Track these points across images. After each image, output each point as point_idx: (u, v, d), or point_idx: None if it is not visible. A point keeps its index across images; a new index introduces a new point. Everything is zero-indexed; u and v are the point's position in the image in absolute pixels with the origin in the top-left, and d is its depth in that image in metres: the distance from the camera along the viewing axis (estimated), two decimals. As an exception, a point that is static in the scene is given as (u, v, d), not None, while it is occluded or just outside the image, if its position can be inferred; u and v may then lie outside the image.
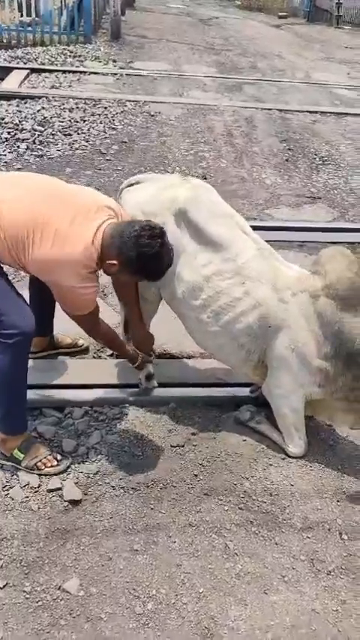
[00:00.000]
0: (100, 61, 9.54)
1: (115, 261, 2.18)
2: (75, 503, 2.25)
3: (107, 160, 5.69)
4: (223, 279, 2.45)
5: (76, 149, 5.86)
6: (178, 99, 8.00)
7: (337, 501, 2.39)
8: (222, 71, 10.06)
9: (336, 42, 14.73)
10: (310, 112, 7.93)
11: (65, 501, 2.25)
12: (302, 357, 2.44)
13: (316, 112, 7.93)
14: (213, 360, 2.88)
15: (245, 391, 2.88)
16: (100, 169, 5.47)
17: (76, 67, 9.15)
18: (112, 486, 2.34)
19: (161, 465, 2.46)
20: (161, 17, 15.06)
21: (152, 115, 7.04)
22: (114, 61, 9.49)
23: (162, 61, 10.18)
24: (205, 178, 5.49)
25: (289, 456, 2.57)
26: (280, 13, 19.89)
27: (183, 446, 2.57)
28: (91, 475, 2.38)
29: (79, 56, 9.94)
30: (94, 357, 3.11)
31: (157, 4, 18.03)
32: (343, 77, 10.69)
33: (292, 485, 2.43)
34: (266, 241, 2.65)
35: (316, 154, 6.46)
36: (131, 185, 2.66)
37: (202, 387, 2.92)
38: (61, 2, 11.20)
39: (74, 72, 8.83)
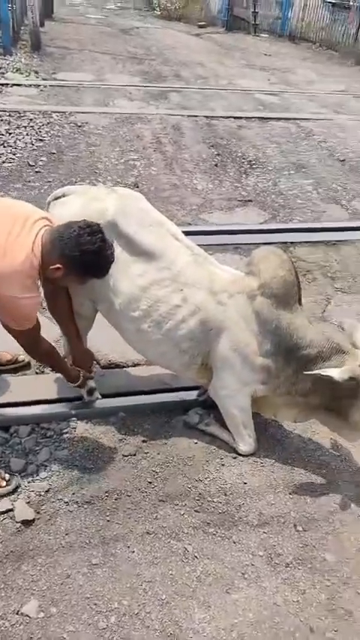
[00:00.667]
0: (21, 73, 9.35)
1: (59, 265, 2.15)
2: (28, 523, 2.19)
3: (37, 172, 5.59)
4: (160, 288, 2.46)
5: (3, 162, 5.72)
6: (105, 109, 7.97)
7: (290, 494, 2.45)
8: (146, 80, 10.12)
9: (255, 50, 15.16)
10: (235, 117, 8.11)
11: (17, 522, 2.19)
12: (245, 356, 2.48)
13: (241, 118, 8.11)
14: (158, 366, 2.88)
15: (193, 394, 2.90)
16: (29, 182, 5.37)
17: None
18: (66, 502, 2.29)
19: (114, 476, 2.44)
20: (81, 28, 14.98)
21: (79, 126, 6.98)
22: (36, 72, 9.34)
23: (85, 71, 10.12)
24: (137, 186, 5.51)
25: (241, 455, 2.61)
26: (199, 23, 20.25)
27: (135, 454, 2.56)
28: (42, 493, 2.32)
29: (0, 68, 9.72)
30: (36, 373, 3.04)
31: (76, 14, 17.94)
32: (265, 83, 11.00)
33: (245, 483, 2.47)
34: (202, 245, 2.68)
35: (244, 159, 6.61)
36: (58, 198, 2.62)
37: (149, 394, 2.92)
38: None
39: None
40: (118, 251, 2.46)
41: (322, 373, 2.32)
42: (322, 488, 2.50)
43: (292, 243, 4.76)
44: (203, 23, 20.29)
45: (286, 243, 4.71)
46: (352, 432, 2.50)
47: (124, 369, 3.12)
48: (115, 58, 11.72)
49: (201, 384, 2.77)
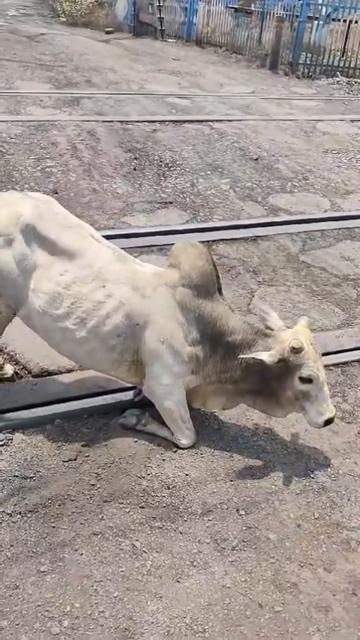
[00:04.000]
0: None
1: None
2: (-30, 539, 2.13)
3: None
4: (82, 285, 2.48)
5: None
6: (16, 117, 7.82)
7: (230, 481, 2.53)
8: (57, 87, 10.02)
9: (164, 54, 15.37)
10: (149, 121, 8.20)
11: None
12: (172, 347, 2.53)
13: (155, 122, 8.21)
14: (92, 370, 2.88)
15: (129, 395, 2.93)
16: None
17: None
18: (8, 514, 2.25)
19: (56, 482, 2.42)
20: (-16, 35, 14.62)
21: (-9, 134, 6.82)
22: None
23: (-7, 79, 9.89)
24: (57, 193, 5.46)
25: (181, 448, 2.66)
26: (106, 29, 20.25)
27: (75, 459, 2.55)
28: (-17, 508, 2.27)
29: None
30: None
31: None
32: (175, 87, 11.18)
33: (187, 475, 2.53)
34: (125, 248, 2.74)
35: (161, 161, 6.70)
36: None
37: (85, 399, 2.92)
38: None
39: None
40: (38, 253, 2.46)
41: (256, 357, 2.41)
42: (260, 472, 2.60)
43: (213, 241, 4.89)
44: (110, 29, 20.31)
45: (208, 241, 4.83)
46: (282, 409, 2.62)
47: (57, 376, 3.10)
48: (23, 65, 11.51)
49: (134, 383, 2.79)
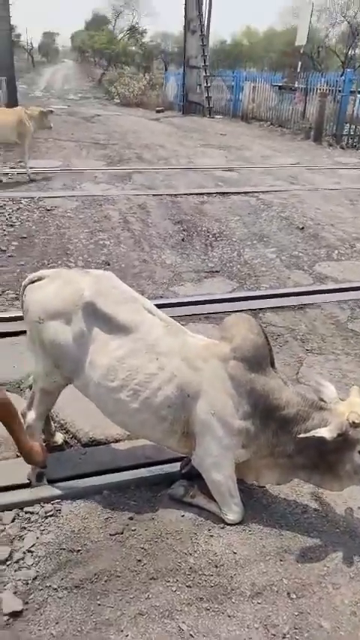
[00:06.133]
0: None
1: None
2: (16, 615, 2.13)
3: (9, 256, 5.74)
4: (136, 358, 2.55)
5: (-24, 249, 5.87)
6: (72, 192, 8.32)
7: (280, 561, 2.44)
8: (111, 163, 10.65)
9: (211, 130, 16.14)
10: (197, 194, 8.55)
11: (5, 615, 2.12)
12: (223, 420, 2.53)
13: (203, 194, 8.55)
14: (140, 439, 2.91)
15: (177, 466, 2.91)
16: (2, 266, 5.50)
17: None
18: (55, 589, 2.24)
19: (103, 557, 2.40)
20: (46, 118, 15.80)
21: (49, 210, 7.25)
22: (4, 162, 9.74)
23: (52, 158, 10.60)
24: (108, 264, 5.70)
25: (228, 524, 2.60)
26: (157, 108, 21.62)
27: (122, 533, 2.53)
28: (30, 581, 2.27)
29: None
30: (17, 456, 3.02)
31: (40, 105, 18.91)
32: (222, 160, 11.67)
33: (235, 553, 2.46)
34: (174, 317, 2.80)
35: (208, 232, 6.92)
36: (33, 282, 2.72)
37: (133, 470, 2.92)
38: None
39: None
40: (96, 330, 2.55)
41: (316, 435, 2.38)
42: (312, 552, 2.50)
43: (261, 309, 4.94)
44: (161, 108, 21.66)
45: (255, 310, 4.89)
46: (339, 483, 2.54)
47: (106, 445, 3.13)
48: (80, 144, 12.32)
49: (183, 453, 2.79)
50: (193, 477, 2.78)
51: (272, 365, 2.59)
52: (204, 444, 2.58)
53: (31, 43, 64.77)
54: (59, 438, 3.11)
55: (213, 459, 2.57)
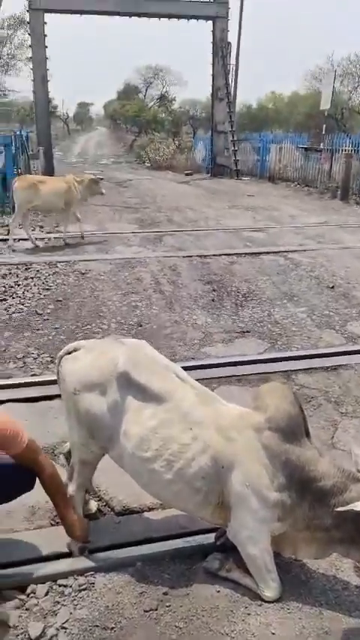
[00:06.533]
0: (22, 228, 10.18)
1: None
2: None
3: (44, 319, 5.90)
4: (169, 428, 2.56)
5: (13, 313, 6.07)
6: (106, 255, 8.59)
7: (321, 643, 2.33)
8: (142, 226, 10.99)
9: (238, 191, 16.59)
10: (226, 254, 8.71)
11: None
12: (258, 492, 2.50)
13: (232, 254, 8.71)
14: (174, 509, 2.87)
15: (211, 537, 2.85)
16: (38, 330, 5.65)
17: (5, 235, 9.71)
18: (88, 669, 2.18)
19: (137, 635, 2.34)
20: (80, 184, 16.54)
21: (83, 273, 7.49)
22: (41, 227, 10.16)
23: (86, 222, 11.02)
24: (141, 326, 5.80)
25: (266, 601, 2.51)
26: (186, 171, 22.43)
27: (156, 609, 2.47)
28: (63, 661, 2.22)
29: (7, 225, 10.59)
30: (51, 524, 3.02)
31: (75, 172, 19.83)
32: (251, 221, 11.92)
33: (274, 634, 2.36)
34: (205, 378, 2.82)
35: (238, 292, 7.00)
36: (69, 353, 2.79)
37: (167, 541, 2.87)
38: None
39: (3, 240, 9.36)
40: (129, 399, 2.59)
41: (355, 509, 2.32)
42: (354, 634, 2.38)
43: (293, 371, 4.91)
44: (190, 171, 22.45)
45: (287, 371, 4.87)
46: None
47: (140, 514, 3.10)
48: (113, 208, 12.79)
49: (219, 525, 2.74)
50: (228, 549, 2.72)
51: (307, 435, 2.57)
52: (239, 517, 2.54)
53: (66, 113, 68.70)
54: (93, 506, 3.10)
55: (248, 532, 2.52)
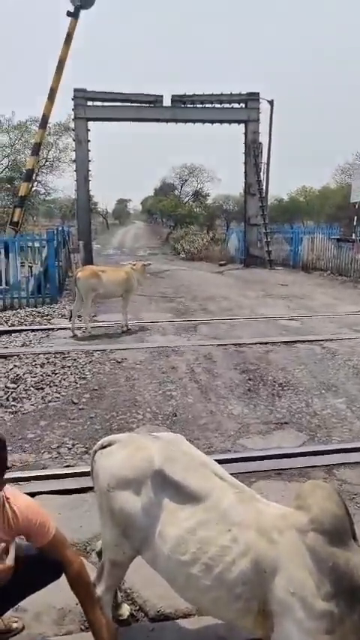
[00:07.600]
0: (66, 318, 10.50)
1: None
2: None
3: (80, 409, 5.92)
4: (207, 529, 2.44)
5: (49, 402, 6.12)
6: (141, 344, 8.70)
7: None
8: (177, 315, 11.19)
9: (272, 281, 16.86)
10: (262, 343, 8.71)
11: None
12: (304, 600, 2.32)
13: (267, 343, 8.70)
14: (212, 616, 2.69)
15: (252, 650, 2.64)
16: (73, 419, 5.65)
17: (44, 325, 10.02)
18: None
19: None
20: (117, 274, 17.18)
21: (119, 362, 7.57)
22: (79, 316, 10.46)
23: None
24: (176, 415, 5.74)
25: None
26: (220, 262, 23.07)
27: None
28: None
29: (47, 315, 10.97)
30: (81, 630, 2.85)
31: (111, 263, 20.64)
32: (285, 310, 12.00)
33: None
34: (243, 473, 2.72)
35: (274, 381, 6.92)
36: (104, 447, 2.74)
37: (204, 653, 2.67)
38: (29, 271, 12.73)
39: (43, 329, 9.64)
40: (166, 499, 2.51)
41: None
42: None
43: (334, 465, 4.72)
44: (223, 262, 23.09)
45: (328, 465, 4.68)
46: None
47: (175, 620, 2.91)
48: (149, 298, 13.13)
49: (259, 636, 2.54)
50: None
51: (354, 538, 2.42)
52: (283, 627, 2.35)
53: (105, 209, 72.80)
54: (125, 610, 2.93)
55: (294, 647, 2.33)
